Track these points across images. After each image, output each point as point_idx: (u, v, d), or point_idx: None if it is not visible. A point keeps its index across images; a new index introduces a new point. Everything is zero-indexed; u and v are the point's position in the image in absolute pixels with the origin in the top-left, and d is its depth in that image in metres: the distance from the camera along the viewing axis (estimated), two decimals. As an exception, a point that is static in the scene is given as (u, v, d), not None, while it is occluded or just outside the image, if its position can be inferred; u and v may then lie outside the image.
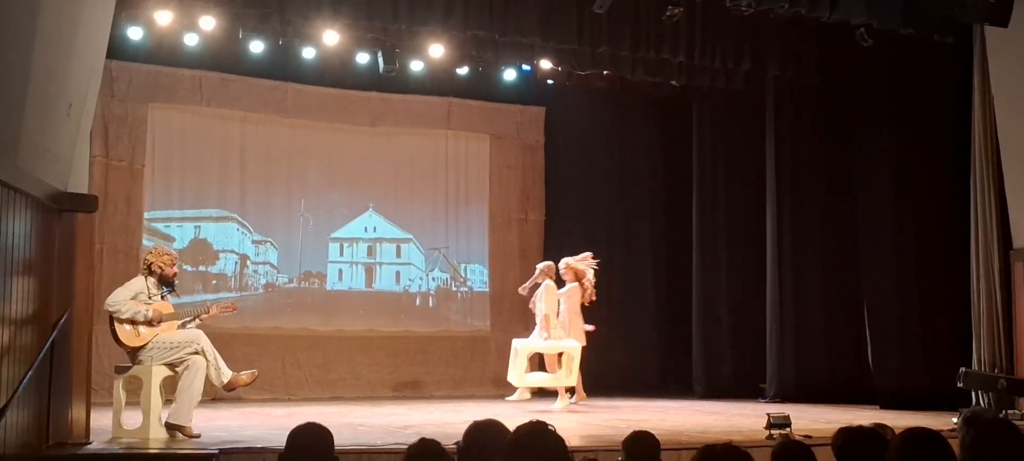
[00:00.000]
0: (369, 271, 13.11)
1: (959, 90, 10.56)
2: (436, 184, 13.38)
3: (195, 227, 12.18)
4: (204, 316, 7.94)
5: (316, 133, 12.77)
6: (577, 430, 8.36)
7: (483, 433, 3.64)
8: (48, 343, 6.70)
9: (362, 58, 11.97)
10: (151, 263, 7.86)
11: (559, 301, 10.72)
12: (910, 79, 11.13)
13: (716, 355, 13.06)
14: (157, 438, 7.40)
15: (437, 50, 11.52)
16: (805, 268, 12.34)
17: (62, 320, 6.96)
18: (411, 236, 13.31)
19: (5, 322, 6.01)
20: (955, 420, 8.08)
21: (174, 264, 7.95)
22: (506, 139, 13.75)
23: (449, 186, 13.44)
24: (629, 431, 4.49)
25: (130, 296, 7.62)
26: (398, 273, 13.25)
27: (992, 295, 10.07)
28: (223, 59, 11.86)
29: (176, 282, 8.02)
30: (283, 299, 12.56)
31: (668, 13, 10.31)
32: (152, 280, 7.79)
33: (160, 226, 11.91)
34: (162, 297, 7.81)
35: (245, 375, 7.87)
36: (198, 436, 7.49)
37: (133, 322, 7.56)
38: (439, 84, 12.93)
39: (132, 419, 7.59)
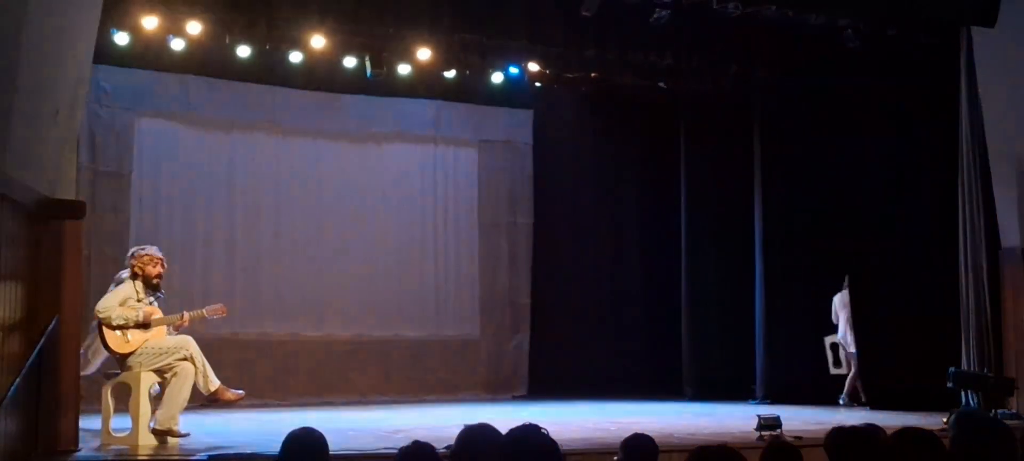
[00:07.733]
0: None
1: (946, 91, 10.60)
2: (424, 188, 13.34)
3: (183, 233, 12.10)
4: (192, 316, 7.87)
5: (303, 138, 12.73)
6: (569, 433, 8.36)
7: (476, 437, 3.64)
8: (36, 350, 6.66)
9: (349, 62, 11.91)
10: (132, 266, 7.79)
11: None
12: (897, 81, 11.16)
13: (706, 357, 13.07)
14: (146, 444, 7.37)
15: (424, 54, 11.47)
16: (794, 268, 12.36)
17: (50, 327, 6.92)
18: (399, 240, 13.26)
19: (-7, 330, 5.99)
20: (945, 420, 8.13)
21: (154, 263, 7.78)
22: (494, 142, 13.73)
23: (437, 190, 13.40)
24: (620, 433, 4.49)
25: (118, 302, 7.57)
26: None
27: (981, 295, 10.11)
28: (210, 65, 11.79)
29: (159, 282, 7.83)
30: (273, 304, 12.50)
31: (655, 16, 10.33)
32: (138, 283, 7.74)
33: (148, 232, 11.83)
34: (151, 302, 7.76)
35: (232, 393, 7.80)
36: (187, 435, 7.47)
37: (124, 328, 7.52)
38: (427, 88, 12.89)
39: (121, 426, 7.56)
